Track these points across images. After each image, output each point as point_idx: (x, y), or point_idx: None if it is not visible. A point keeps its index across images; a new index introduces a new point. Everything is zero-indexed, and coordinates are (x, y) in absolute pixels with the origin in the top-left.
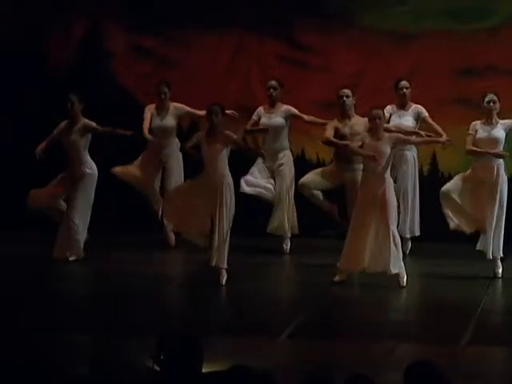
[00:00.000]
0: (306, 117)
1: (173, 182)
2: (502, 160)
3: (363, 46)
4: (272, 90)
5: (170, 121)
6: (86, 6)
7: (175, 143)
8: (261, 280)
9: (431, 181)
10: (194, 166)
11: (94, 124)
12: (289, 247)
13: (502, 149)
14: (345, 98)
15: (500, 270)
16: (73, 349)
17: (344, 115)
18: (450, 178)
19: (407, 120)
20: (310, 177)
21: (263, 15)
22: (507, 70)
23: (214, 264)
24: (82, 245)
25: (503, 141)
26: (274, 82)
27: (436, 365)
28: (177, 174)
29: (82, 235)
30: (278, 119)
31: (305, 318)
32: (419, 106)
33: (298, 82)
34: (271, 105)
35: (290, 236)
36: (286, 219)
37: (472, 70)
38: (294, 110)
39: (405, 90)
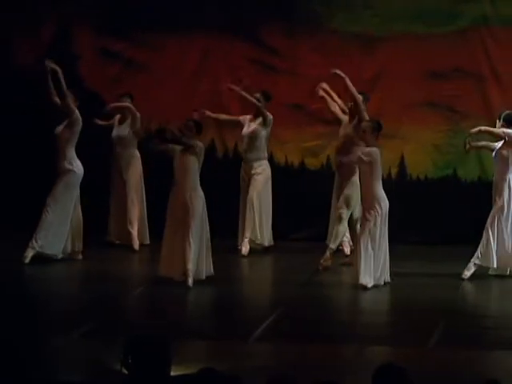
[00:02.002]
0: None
1: (131, 192)
2: None
3: (330, 49)
4: (256, 102)
5: (125, 131)
6: (53, 9)
7: (135, 155)
8: (229, 283)
9: (399, 183)
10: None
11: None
12: (248, 250)
13: None
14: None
15: (468, 273)
16: (48, 352)
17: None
18: (418, 180)
19: None
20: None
21: (231, 18)
22: (474, 72)
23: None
24: (60, 244)
25: None
26: (258, 95)
27: (404, 367)
28: (135, 185)
29: (57, 230)
30: (255, 128)
31: (274, 321)
32: None
33: (265, 85)
34: (255, 115)
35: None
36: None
37: (439, 72)
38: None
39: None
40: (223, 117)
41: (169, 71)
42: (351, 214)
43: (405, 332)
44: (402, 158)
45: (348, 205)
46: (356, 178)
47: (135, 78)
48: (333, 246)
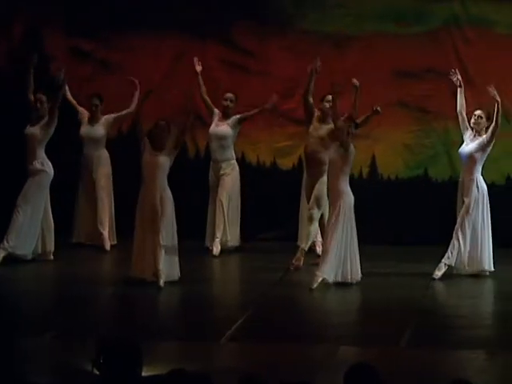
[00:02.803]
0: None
1: (101, 192)
2: None
3: (302, 49)
4: (228, 102)
5: (99, 131)
6: (24, 9)
7: (105, 155)
8: (200, 283)
9: (371, 183)
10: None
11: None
12: (219, 250)
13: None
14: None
15: (439, 273)
16: (18, 354)
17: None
18: (389, 180)
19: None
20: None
21: (203, 19)
22: (445, 72)
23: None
24: (31, 245)
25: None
26: (230, 95)
27: (375, 367)
28: (105, 185)
29: (28, 231)
30: (223, 128)
31: (245, 321)
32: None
33: (237, 85)
34: (224, 116)
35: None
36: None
37: (410, 73)
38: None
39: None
40: (204, 95)
41: (141, 72)
42: (322, 213)
43: (376, 332)
44: (374, 158)
45: (319, 205)
46: (326, 178)
47: (107, 78)
48: (304, 246)
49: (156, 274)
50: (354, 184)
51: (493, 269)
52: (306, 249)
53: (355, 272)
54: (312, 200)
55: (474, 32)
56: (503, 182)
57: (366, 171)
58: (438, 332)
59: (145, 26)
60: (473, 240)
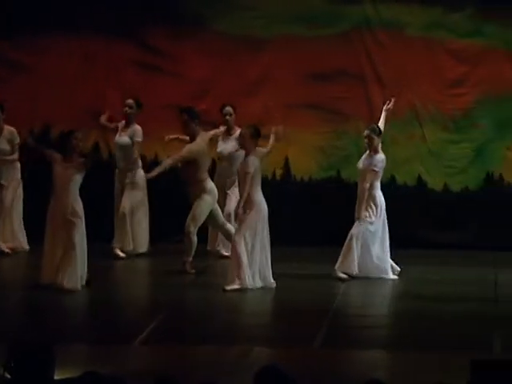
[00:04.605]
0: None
1: (10, 199)
2: None
3: (215, 51)
4: (127, 109)
5: (2, 144)
6: None
7: (15, 162)
8: (111, 287)
9: (284, 185)
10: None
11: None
12: (122, 255)
13: None
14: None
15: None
16: None
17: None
18: (302, 181)
19: (232, 146)
20: None
21: (115, 19)
22: (357, 74)
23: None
24: None
25: None
26: (130, 101)
27: (285, 368)
28: (15, 191)
29: None
30: (125, 138)
31: (159, 323)
32: None
33: (149, 86)
34: (126, 124)
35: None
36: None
37: (323, 75)
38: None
39: (227, 117)
40: (104, 122)
41: (52, 73)
42: (216, 218)
43: (288, 333)
44: (287, 159)
45: (195, 225)
46: (205, 195)
47: (18, 79)
48: (187, 258)
49: (67, 280)
50: (267, 185)
51: (391, 276)
52: (191, 259)
53: (267, 276)
54: (189, 218)
55: (385, 34)
56: (414, 183)
57: (279, 173)
58: (350, 332)
59: (56, 27)
60: (367, 249)
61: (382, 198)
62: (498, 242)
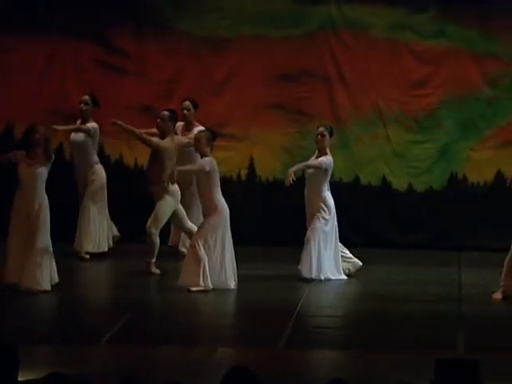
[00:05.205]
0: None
1: None
2: None
3: (180, 52)
4: (83, 105)
5: None
6: None
7: None
8: (76, 288)
9: (249, 185)
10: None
11: None
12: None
13: None
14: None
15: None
16: None
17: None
18: (267, 181)
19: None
20: None
21: (78, 19)
22: (322, 75)
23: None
24: None
25: None
26: (86, 97)
27: (252, 369)
28: None
29: None
30: (80, 136)
31: (124, 324)
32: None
33: (114, 87)
34: (82, 121)
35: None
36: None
37: (288, 75)
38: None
39: (185, 112)
40: (62, 127)
41: (16, 73)
42: (179, 218)
43: (254, 334)
44: (252, 159)
45: (157, 226)
46: (168, 196)
47: None
48: (150, 259)
49: (32, 280)
50: (232, 185)
51: (332, 277)
52: (154, 259)
53: (233, 277)
54: (151, 218)
55: (349, 35)
56: (379, 183)
57: (244, 173)
58: (315, 333)
59: (21, 27)
60: (324, 252)
61: (332, 200)
62: (462, 242)
